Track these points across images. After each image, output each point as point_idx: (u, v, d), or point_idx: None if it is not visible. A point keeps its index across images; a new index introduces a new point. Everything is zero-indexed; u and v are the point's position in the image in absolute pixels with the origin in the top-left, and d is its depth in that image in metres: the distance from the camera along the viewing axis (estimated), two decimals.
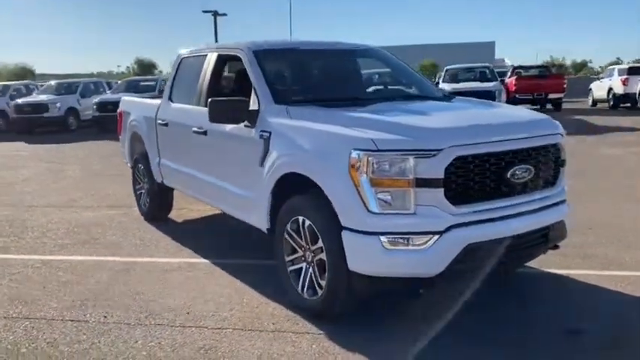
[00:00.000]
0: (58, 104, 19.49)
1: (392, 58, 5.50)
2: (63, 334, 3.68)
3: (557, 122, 4.01)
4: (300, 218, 3.68)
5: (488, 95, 15.41)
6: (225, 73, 5.75)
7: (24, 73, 53.43)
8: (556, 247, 3.99)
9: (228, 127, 4.39)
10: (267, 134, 3.98)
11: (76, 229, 6.42)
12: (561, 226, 3.84)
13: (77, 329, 3.74)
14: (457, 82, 19.15)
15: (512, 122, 3.87)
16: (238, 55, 4.75)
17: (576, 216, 4.24)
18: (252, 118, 4.17)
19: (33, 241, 6.01)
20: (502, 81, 20.77)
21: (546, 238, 3.75)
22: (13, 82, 25.20)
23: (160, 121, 5.82)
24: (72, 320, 3.89)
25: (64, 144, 15.99)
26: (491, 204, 3.43)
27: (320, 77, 5.23)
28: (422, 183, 3.20)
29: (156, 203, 6.45)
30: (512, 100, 19.94)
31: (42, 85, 23.50)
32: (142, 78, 24.62)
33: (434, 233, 3.23)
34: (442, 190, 3.22)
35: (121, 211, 7.16)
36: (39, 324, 3.85)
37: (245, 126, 4.21)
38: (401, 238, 3.24)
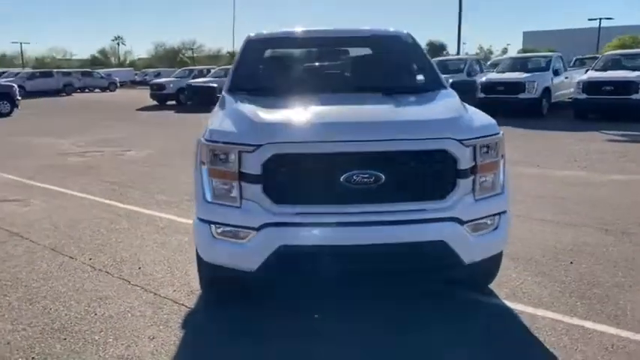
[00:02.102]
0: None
1: (397, 46, 4.97)
2: None
3: (464, 126, 3.29)
4: None
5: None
6: None
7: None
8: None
9: None
10: None
11: None
12: (443, 248, 3.18)
13: None
14: (605, 70, 15.72)
15: (372, 122, 3.35)
16: None
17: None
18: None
19: None
20: None
21: (421, 258, 3.22)
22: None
23: None
24: None
25: None
26: (321, 208, 3.14)
27: (295, 66, 5.03)
28: (244, 177, 3.15)
29: None
30: None
31: None
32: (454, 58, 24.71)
33: (252, 229, 3.16)
34: (260, 186, 3.12)
35: None
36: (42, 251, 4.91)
37: None
38: (228, 229, 3.26)
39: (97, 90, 44.81)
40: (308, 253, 3.14)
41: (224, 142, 3.23)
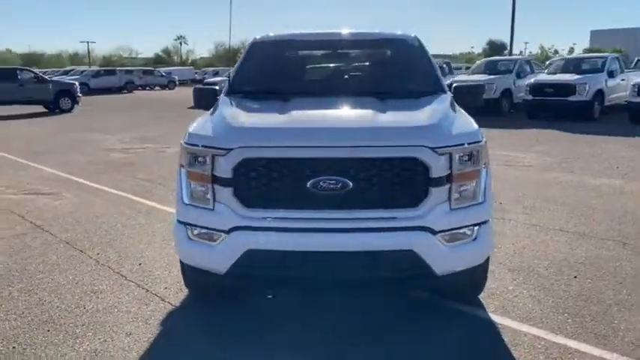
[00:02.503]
0: (494, 85, 17.58)
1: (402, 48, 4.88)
2: None
3: (440, 133, 3.20)
4: None
5: None
6: None
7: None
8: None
9: None
10: None
11: None
12: (412, 258, 3.09)
13: None
14: None
15: (343, 128, 3.30)
16: None
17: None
18: None
19: None
20: None
21: (389, 267, 3.13)
22: None
23: None
24: None
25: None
26: (289, 213, 3.14)
27: (295, 69, 4.98)
28: (217, 180, 3.20)
29: None
30: None
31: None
32: (502, 58, 24.04)
33: (223, 232, 3.20)
34: (231, 189, 3.15)
35: None
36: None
37: None
38: (202, 231, 3.31)
39: (157, 88, 46.47)
40: (274, 259, 3.14)
41: (200, 146, 3.28)
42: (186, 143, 3.37)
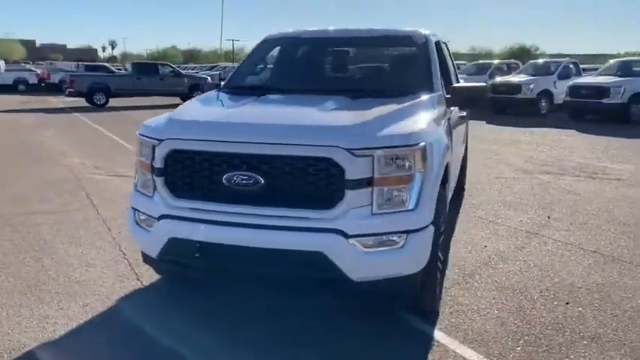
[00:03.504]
0: (531, 86, 18.46)
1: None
2: None
3: (362, 134, 3.06)
4: None
5: None
6: None
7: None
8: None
9: None
10: None
11: None
12: (321, 260, 3.01)
13: None
14: None
15: (263, 124, 3.28)
16: None
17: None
18: None
19: None
20: None
21: (297, 268, 3.10)
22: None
23: None
24: None
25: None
26: (209, 205, 3.22)
27: (288, 66, 4.95)
28: (154, 170, 3.39)
29: None
30: None
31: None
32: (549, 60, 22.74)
33: (155, 218, 3.40)
34: (163, 179, 3.33)
35: None
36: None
37: None
38: (144, 217, 3.53)
39: None
40: (193, 249, 3.25)
41: (145, 136, 3.50)
42: (139, 133, 3.60)
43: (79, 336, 3.45)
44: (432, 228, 3.27)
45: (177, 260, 3.40)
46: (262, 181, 3.08)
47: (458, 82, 6.20)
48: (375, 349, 3.29)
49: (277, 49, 5.05)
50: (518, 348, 3.29)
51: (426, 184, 3.21)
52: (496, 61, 25.85)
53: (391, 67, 4.54)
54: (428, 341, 3.38)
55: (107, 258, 4.74)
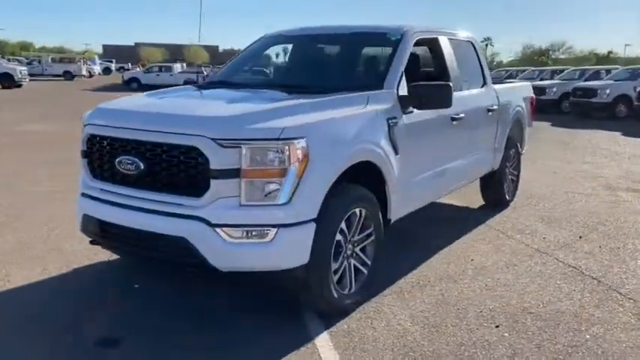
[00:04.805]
0: (608, 90, 18.74)
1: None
2: None
3: (231, 125, 3.09)
4: None
5: None
6: None
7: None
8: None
9: None
10: None
11: None
12: (183, 245, 3.11)
13: None
14: None
15: (146, 112, 3.47)
16: None
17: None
18: None
19: None
20: None
21: (164, 250, 3.27)
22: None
23: None
24: None
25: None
26: (109, 187, 3.49)
27: (271, 64, 5.00)
28: (83, 153, 3.72)
29: None
30: None
31: None
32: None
33: (80, 195, 3.77)
34: (86, 160, 3.66)
35: None
36: None
37: None
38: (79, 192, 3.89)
39: None
40: (96, 226, 3.57)
41: (83, 123, 3.86)
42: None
43: None
44: (312, 224, 3.18)
45: (92, 236, 3.73)
46: (142, 167, 3.26)
47: (486, 82, 5.79)
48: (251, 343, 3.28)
49: (262, 46, 5.21)
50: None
51: (308, 180, 3.13)
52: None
53: (353, 63, 4.43)
54: (297, 343, 3.25)
55: None
